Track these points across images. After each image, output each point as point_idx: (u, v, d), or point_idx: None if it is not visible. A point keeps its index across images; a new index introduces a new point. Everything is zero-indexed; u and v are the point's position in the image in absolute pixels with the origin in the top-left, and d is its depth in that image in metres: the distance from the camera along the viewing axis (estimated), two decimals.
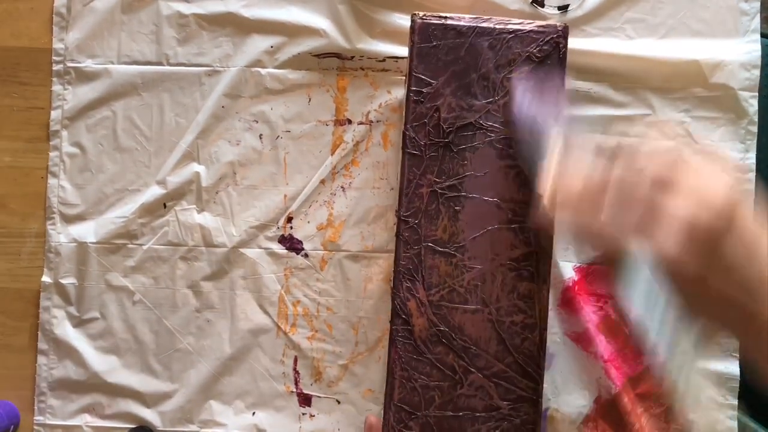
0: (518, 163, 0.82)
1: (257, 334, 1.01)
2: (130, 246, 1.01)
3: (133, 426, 1.01)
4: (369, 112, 1.01)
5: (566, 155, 0.61)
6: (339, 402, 1.01)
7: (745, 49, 0.98)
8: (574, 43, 0.93)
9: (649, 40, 1.00)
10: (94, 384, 1.01)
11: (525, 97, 0.80)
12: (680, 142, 0.58)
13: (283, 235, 1.01)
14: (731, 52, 0.98)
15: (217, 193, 1.01)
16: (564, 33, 0.83)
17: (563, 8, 0.99)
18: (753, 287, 0.52)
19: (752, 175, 0.98)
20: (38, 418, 1.02)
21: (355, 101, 1.01)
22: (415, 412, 0.83)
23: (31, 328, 1.02)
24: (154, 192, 1.01)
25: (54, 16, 1.01)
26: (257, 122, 1.01)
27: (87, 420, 1.02)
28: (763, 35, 0.99)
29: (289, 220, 1.01)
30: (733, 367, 0.98)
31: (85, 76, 1.01)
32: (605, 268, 0.59)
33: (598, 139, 0.59)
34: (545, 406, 0.99)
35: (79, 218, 1.02)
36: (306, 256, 1.01)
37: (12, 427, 0.99)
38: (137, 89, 1.01)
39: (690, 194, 0.52)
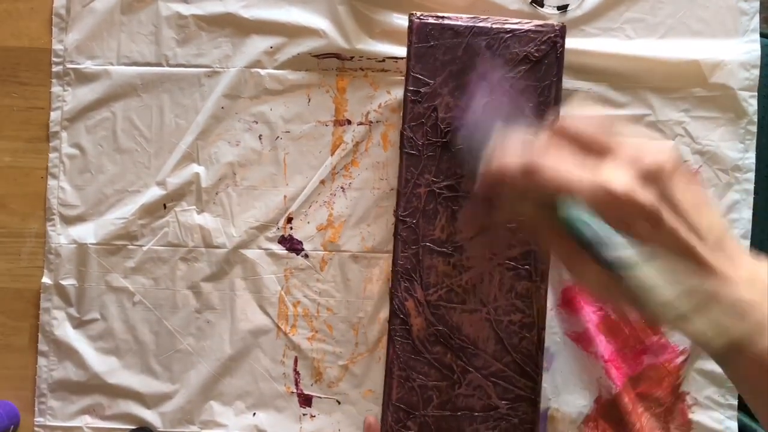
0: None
1: (257, 335, 1.01)
2: (130, 247, 1.02)
3: (134, 427, 1.01)
4: (369, 113, 1.01)
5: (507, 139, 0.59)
6: (339, 402, 1.01)
7: (744, 48, 0.98)
8: (573, 43, 0.93)
9: (649, 40, 1.00)
10: (95, 385, 1.02)
11: (478, 100, 0.80)
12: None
13: (283, 236, 1.01)
14: (731, 52, 0.98)
15: (216, 193, 1.01)
16: (561, 32, 0.83)
17: (562, 8, 0.99)
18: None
19: (752, 175, 0.98)
20: (38, 419, 1.02)
21: (355, 102, 1.01)
22: (413, 412, 0.83)
23: (31, 328, 1.02)
24: (153, 193, 1.01)
25: (53, 16, 1.01)
26: (257, 123, 1.01)
27: (87, 421, 1.02)
28: (762, 35, 0.99)
29: (289, 220, 1.01)
30: None
31: (84, 78, 1.01)
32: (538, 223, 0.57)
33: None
34: (546, 406, 0.99)
35: (79, 219, 1.02)
36: (306, 256, 1.01)
37: (12, 427, 0.99)
38: (137, 90, 1.01)
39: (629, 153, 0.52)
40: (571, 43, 0.87)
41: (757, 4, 0.99)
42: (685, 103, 0.99)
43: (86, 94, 1.02)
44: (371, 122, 1.01)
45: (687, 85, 0.99)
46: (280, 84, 1.01)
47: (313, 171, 1.01)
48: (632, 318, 0.98)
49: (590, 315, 0.98)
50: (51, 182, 1.02)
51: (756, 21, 0.99)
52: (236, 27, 1.01)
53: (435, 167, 0.82)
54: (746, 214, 0.98)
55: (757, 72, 0.98)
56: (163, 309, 1.02)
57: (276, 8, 1.01)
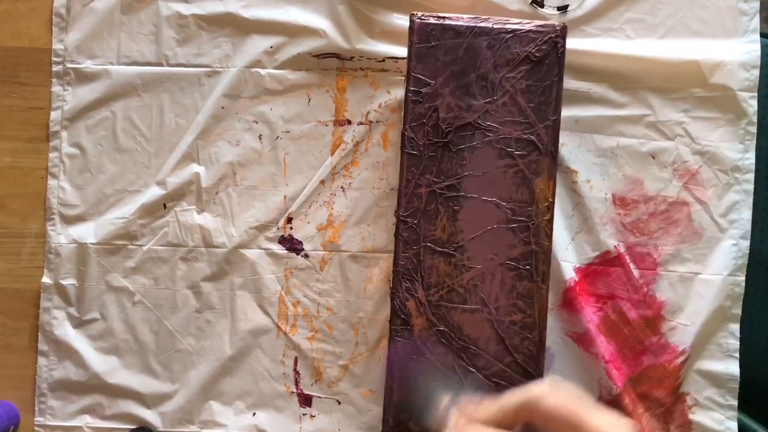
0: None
1: (257, 335, 1.01)
2: (130, 247, 1.02)
3: (134, 427, 1.01)
4: (369, 113, 1.01)
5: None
6: (339, 402, 1.01)
7: (744, 49, 0.98)
8: (573, 43, 0.93)
9: (649, 41, 1.00)
10: (95, 385, 1.01)
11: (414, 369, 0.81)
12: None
13: (283, 236, 1.01)
14: (731, 53, 0.98)
15: (217, 193, 1.01)
16: (562, 32, 0.84)
17: (563, 8, 0.99)
18: None
19: (751, 176, 0.98)
20: (38, 419, 1.02)
21: (355, 101, 1.01)
22: None
23: (31, 328, 1.02)
24: (154, 193, 1.01)
25: (53, 16, 1.01)
26: (257, 123, 1.01)
27: (87, 421, 1.02)
28: (762, 35, 0.99)
29: (289, 220, 1.01)
30: (733, 367, 0.98)
31: (84, 77, 1.01)
32: None
33: (493, 406, 0.58)
34: None
35: (79, 219, 1.02)
36: (306, 256, 1.01)
37: (12, 427, 0.99)
38: (137, 90, 1.01)
39: None
40: (571, 43, 0.87)
41: (757, 5, 0.99)
42: (685, 103, 0.99)
43: (86, 93, 1.01)
44: (371, 122, 1.01)
45: (687, 86, 0.99)
46: (280, 84, 1.01)
47: (313, 171, 1.01)
48: (632, 318, 0.98)
49: (591, 315, 0.98)
50: (51, 182, 1.02)
51: (756, 21, 0.99)
52: (236, 27, 1.01)
53: (436, 167, 0.82)
54: (746, 214, 0.98)
55: (757, 72, 0.98)
56: (163, 309, 1.02)
57: (276, 8, 1.01)
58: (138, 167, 1.02)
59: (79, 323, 1.02)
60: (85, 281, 1.02)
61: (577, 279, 0.98)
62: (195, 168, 1.01)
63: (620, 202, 0.99)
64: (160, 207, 1.01)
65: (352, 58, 1.00)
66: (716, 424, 0.98)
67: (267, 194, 1.01)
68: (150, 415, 1.01)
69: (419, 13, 0.84)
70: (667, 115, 0.99)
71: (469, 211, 0.82)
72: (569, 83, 0.97)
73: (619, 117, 0.99)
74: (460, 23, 0.83)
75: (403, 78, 1.00)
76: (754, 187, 0.98)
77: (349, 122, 1.01)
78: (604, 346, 0.97)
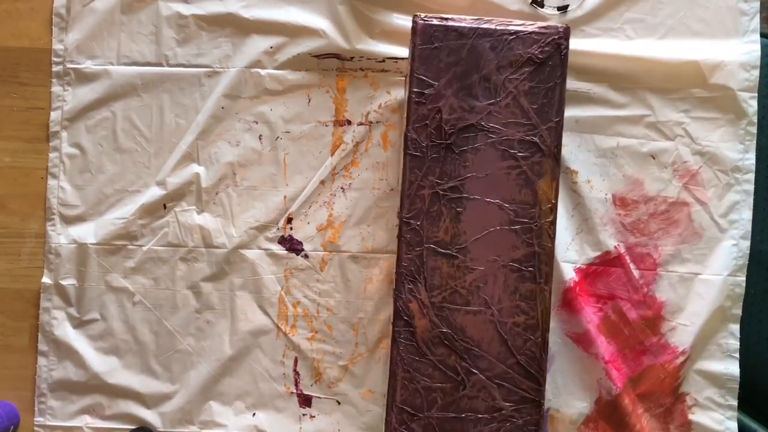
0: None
1: (257, 335, 1.01)
2: (130, 247, 1.01)
3: (134, 427, 1.01)
4: (369, 113, 1.01)
5: None
6: (339, 403, 1.01)
7: (744, 49, 0.99)
8: (573, 43, 0.93)
9: (649, 41, 1.00)
10: (95, 385, 1.01)
11: None
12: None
13: (283, 236, 1.01)
14: (731, 53, 0.98)
15: (216, 194, 1.01)
16: (565, 34, 0.84)
17: (563, 9, 0.99)
18: None
19: (752, 176, 0.99)
20: (38, 419, 1.02)
21: (355, 102, 1.01)
22: (417, 414, 0.83)
23: (31, 328, 1.02)
24: (153, 193, 1.01)
25: (53, 16, 1.01)
26: (257, 123, 1.01)
27: (87, 421, 1.02)
28: (762, 35, 1.00)
29: (289, 221, 1.01)
30: (733, 367, 0.98)
31: (84, 77, 1.01)
32: None
33: None
34: (546, 407, 0.99)
35: (79, 219, 1.01)
36: (306, 257, 1.01)
37: (12, 427, 0.99)
38: (137, 90, 1.01)
39: None
40: (571, 43, 0.87)
41: (757, 5, 0.99)
42: (685, 103, 0.99)
43: (86, 93, 1.01)
44: (371, 122, 1.01)
45: (687, 86, 0.99)
46: (280, 84, 1.01)
47: (313, 171, 1.01)
48: (632, 318, 0.98)
49: (591, 316, 0.98)
50: (51, 182, 1.01)
51: (756, 21, 0.99)
52: (236, 27, 1.01)
53: (439, 169, 0.82)
54: (746, 214, 0.99)
55: (757, 73, 0.98)
56: (163, 309, 1.01)
57: (276, 8, 1.00)
58: (138, 167, 1.01)
59: (79, 323, 1.02)
60: (85, 281, 1.01)
61: (577, 279, 0.98)
62: (195, 168, 1.01)
63: (620, 202, 0.99)
64: (160, 207, 1.01)
65: (352, 58, 1.00)
66: (716, 424, 0.99)
67: (267, 194, 1.01)
68: (150, 416, 1.01)
69: (422, 15, 0.84)
70: (667, 116, 0.99)
71: (472, 212, 0.82)
72: (569, 83, 0.97)
73: (619, 117, 0.99)
74: (463, 24, 0.83)
75: (403, 78, 1.00)
76: (755, 188, 0.98)
77: (349, 122, 1.01)
78: (604, 346, 0.98)
